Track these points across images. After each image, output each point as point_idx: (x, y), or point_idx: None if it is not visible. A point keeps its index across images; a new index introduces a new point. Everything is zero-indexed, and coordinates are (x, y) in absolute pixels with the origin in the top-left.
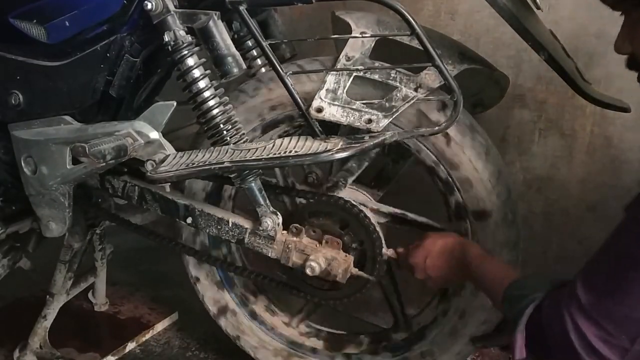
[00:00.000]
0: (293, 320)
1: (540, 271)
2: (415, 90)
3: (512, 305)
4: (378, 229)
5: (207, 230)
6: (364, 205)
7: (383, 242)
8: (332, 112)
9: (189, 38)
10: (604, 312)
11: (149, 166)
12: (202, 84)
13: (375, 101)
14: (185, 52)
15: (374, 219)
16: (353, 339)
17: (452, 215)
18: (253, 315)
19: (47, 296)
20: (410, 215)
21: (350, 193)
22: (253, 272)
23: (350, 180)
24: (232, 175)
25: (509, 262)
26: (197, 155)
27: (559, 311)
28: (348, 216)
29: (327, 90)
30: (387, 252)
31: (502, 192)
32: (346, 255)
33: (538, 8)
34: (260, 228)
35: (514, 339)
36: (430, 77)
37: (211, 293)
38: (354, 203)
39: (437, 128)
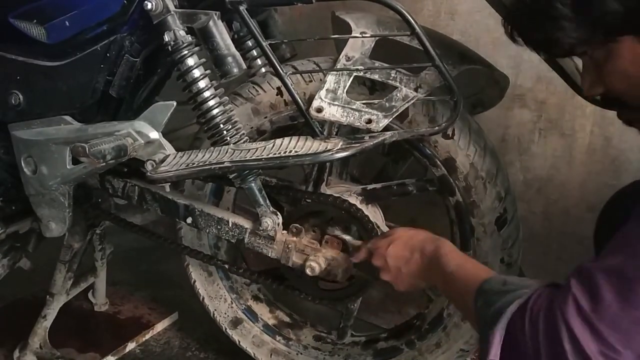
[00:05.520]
0: None
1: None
2: (415, 90)
3: (489, 301)
4: (372, 218)
5: (207, 230)
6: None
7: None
8: (332, 112)
9: (189, 38)
10: (609, 319)
11: (149, 166)
12: (202, 84)
13: (375, 101)
14: (185, 52)
15: (366, 210)
16: None
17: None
18: None
19: (47, 296)
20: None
21: (337, 189)
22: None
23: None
24: (232, 176)
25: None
26: (197, 155)
27: (551, 312)
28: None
29: (327, 90)
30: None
31: (501, 192)
32: (346, 255)
33: None
34: (260, 228)
35: (489, 337)
36: (430, 77)
37: None
38: (344, 198)
39: (437, 128)
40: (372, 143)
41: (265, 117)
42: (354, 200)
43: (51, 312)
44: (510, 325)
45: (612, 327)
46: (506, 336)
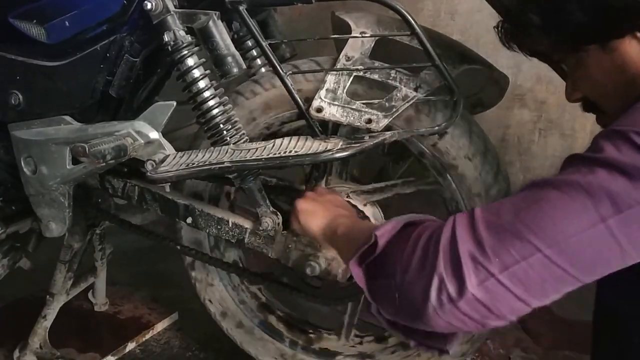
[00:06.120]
0: None
1: None
2: (415, 90)
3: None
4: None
5: (207, 230)
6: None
7: None
8: (332, 112)
9: (189, 38)
10: (491, 226)
11: (149, 166)
12: (202, 84)
13: (375, 101)
14: (185, 52)
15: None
16: None
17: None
18: None
19: (47, 296)
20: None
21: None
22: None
23: None
24: (232, 175)
25: None
26: (197, 155)
27: (444, 223)
28: None
29: (327, 90)
30: None
31: (501, 191)
32: None
33: None
34: (260, 228)
35: (381, 226)
36: (430, 77)
37: None
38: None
39: (437, 128)
40: (372, 143)
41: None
42: (355, 201)
43: (51, 312)
44: (405, 225)
45: (490, 233)
46: (396, 232)
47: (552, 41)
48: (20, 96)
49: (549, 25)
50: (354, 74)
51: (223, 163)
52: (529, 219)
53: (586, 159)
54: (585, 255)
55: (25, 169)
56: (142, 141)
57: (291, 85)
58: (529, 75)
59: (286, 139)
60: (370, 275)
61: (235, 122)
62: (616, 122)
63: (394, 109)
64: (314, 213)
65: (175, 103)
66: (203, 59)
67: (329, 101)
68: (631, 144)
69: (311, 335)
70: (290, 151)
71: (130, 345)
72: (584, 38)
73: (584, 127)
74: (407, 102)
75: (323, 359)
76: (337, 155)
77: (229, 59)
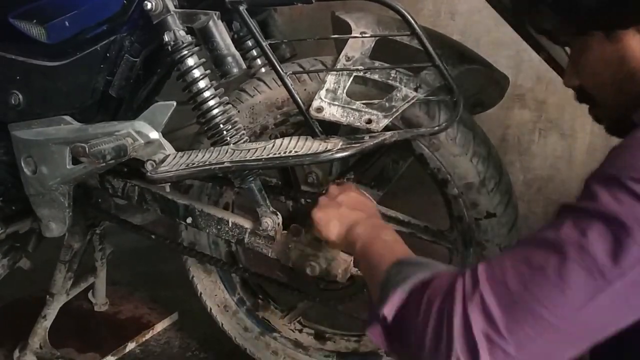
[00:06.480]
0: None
1: None
2: (415, 90)
3: (402, 269)
4: None
5: (207, 231)
6: None
7: None
8: (332, 112)
9: (189, 38)
10: (502, 300)
11: (149, 166)
12: (202, 84)
13: (375, 101)
14: (185, 52)
15: None
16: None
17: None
18: None
19: (47, 296)
20: (413, 220)
21: None
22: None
23: None
24: (232, 175)
25: None
26: (197, 155)
27: (451, 291)
28: None
29: (327, 90)
30: None
31: (503, 193)
32: (346, 255)
33: None
34: (260, 228)
35: (389, 294)
36: (430, 77)
37: None
38: None
39: (437, 128)
40: (372, 143)
41: None
42: None
43: (51, 312)
44: (411, 293)
45: (501, 309)
46: (403, 302)
47: (560, 21)
48: (20, 96)
49: (559, 4)
50: (354, 74)
51: (223, 163)
52: (537, 290)
53: (581, 210)
54: (597, 323)
55: (25, 169)
56: (142, 141)
57: (291, 85)
58: (529, 75)
59: (286, 139)
60: (389, 338)
61: (236, 122)
62: (609, 162)
63: (394, 109)
64: (329, 222)
65: (175, 103)
66: (203, 59)
67: (329, 101)
68: (627, 192)
69: (259, 302)
70: (290, 151)
71: (130, 345)
72: (590, 23)
73: (583, 127)
74: (407, 102)
75: (260, 328)
76: (337, 155)
77: (229, 59)
